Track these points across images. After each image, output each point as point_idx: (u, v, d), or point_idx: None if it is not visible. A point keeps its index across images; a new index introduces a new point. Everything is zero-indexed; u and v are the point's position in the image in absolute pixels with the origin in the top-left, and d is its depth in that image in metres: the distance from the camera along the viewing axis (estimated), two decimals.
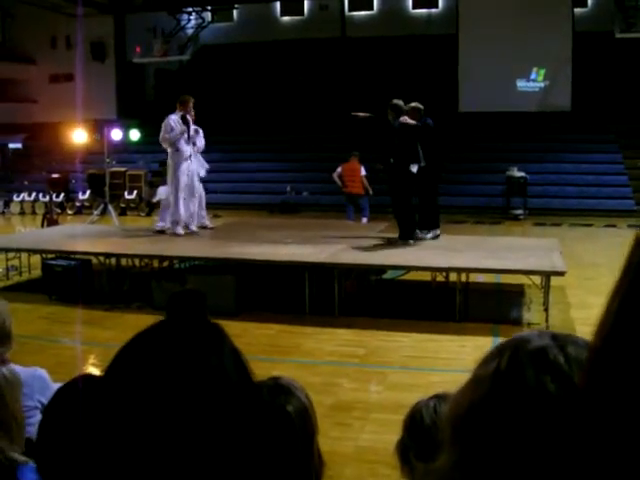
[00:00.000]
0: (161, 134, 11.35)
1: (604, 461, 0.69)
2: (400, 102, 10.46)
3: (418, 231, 10.67)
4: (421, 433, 1.85)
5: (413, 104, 10.67)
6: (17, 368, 2.60)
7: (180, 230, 11.28)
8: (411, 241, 10.40)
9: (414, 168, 10.14)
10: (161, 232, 11.61)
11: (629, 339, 0.57)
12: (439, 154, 10.90)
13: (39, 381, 3.17)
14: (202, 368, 1.10)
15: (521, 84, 25.03)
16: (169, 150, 11.42)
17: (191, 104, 11.57)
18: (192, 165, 11.50)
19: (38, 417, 2.64)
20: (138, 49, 27.88)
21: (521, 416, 0.79)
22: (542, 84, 24.93)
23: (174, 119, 11.34)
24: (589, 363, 0.68)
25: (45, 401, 2.70)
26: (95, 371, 7.14)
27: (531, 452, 0.78)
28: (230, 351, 1.17)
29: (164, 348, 1.13)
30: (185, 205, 11.40)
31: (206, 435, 1.06)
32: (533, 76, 24.99)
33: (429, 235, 10.77)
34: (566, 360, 0.81)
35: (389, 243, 10.58)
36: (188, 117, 11.43)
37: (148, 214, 21.63)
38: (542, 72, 24.85)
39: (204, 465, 1.06)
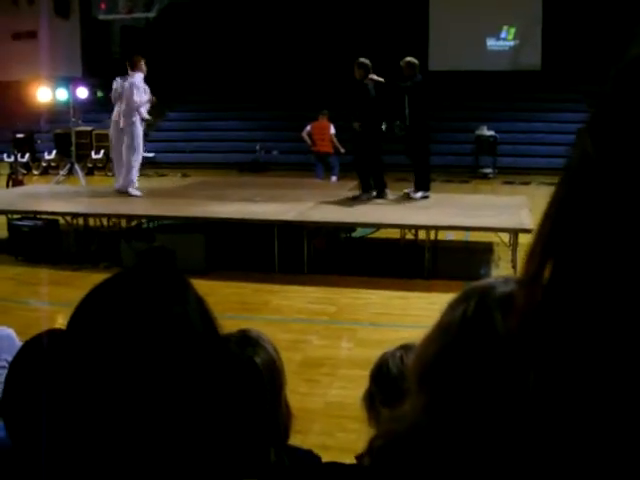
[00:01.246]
0: (134, 96, 11.14)
1: (562, 395, 0.69)
2: (367, 61, 10.51)
3: (406, 191, 10.89)
4: (388, 382, 1.87)
5: (408, 59, 10.62)
6: None
7: (137, 192, 11.29)
8: (376, 195, 10.65)
9: (382, 126, 10.55)
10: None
11: (567, 258, 0.55)
12: (428, 113, 10.86)
13: (6, 340, 3.13)
14: (165, 316, 1.08)
15: (491, 43, 25.00)
16: (128, 112, 11.27)
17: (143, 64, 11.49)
18: None
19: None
20: (103, 5, 27.31)
21: (490, 360, 0.79)
22: (512, 43, 24.92)
23: (141, 81, 11.26)
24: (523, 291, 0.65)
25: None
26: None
27: (499, 396, 0.78)
28: (195, 301, 1.15)
29: (125, 296, 1.12)
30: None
31: (171, 385, 1.04)
32: (503, 35, 24.96)
33: (418, 195, 10.81)
34: None
35: (355, 200, 10.64)
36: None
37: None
38: (512, 31, 24.82)
39: (169, 417, 1.05)
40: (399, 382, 1.81)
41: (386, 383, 1.88)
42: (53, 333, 1.94)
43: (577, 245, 0.51)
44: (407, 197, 10.83)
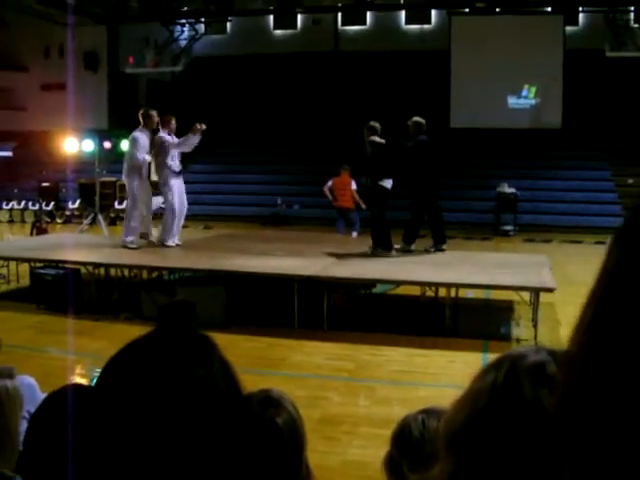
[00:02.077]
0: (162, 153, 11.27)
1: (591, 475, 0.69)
2: (376, 124, 10.92)
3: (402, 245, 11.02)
4: (410, 447, 1.85)
5: (415, 119, 10.90)
6: None
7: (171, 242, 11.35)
8: (391, 251, 10.75)
9: (387, 184, 10.68)
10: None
11: (603, 348, 0.57)
12: (435, 171, 11.03)
13: (28, 389, 3.13)
14: (190, 379, 1.10)
15: (512, 101, 25.17)
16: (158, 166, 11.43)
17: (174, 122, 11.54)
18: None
19: (25, 427, 2.61)
20: (131, 59, 27.89)
21: (518, 429, 0.79)
22: (533, 101, 25.08)
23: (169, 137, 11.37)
24: (562, 373, 0.68)
25: (33, 410, 2.67)
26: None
27: (527, 465, 0.78)
28: (219, 362, 1.17)
29: (153, 358, 1.13)
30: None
31: (195, 446, 1.05)
32: (524, 93, 25.14)
33: (397, 246, 10.95)
34: None
35: (369, 255, 10.78)
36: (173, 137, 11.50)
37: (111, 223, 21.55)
38: (533, 89, 25.00)
39: (193, 477, 1.05)
40: (422, 447, 1.80)
41: (408, 447, 1.86)
42: (77, 388, 1.94)
43: (613, 335, 0.54)
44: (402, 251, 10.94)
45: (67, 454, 1.81)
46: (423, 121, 10.79)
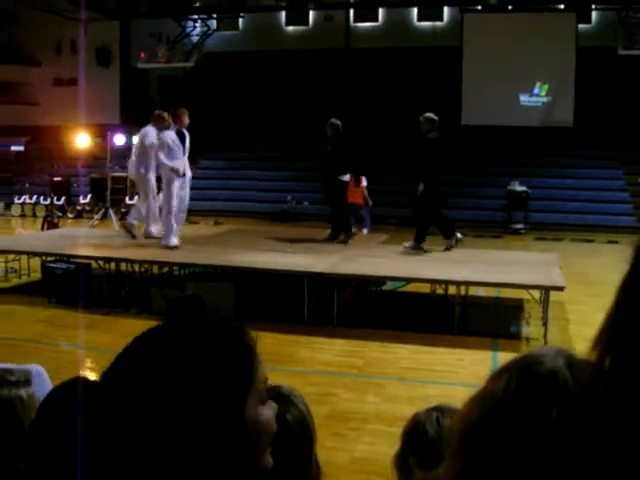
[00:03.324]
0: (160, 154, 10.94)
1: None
2: (338, 121, 11.82)
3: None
4: (424, 445, 1.84)
5: (427, 115, 10.85)
6: (13, 366, 2.56)
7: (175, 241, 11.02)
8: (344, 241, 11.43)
9: (346, 178, 11.74)
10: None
11: (629, 347, 0.58)
12: (439, 169, 11.02)
13: (37, 378, 3.14)
14: (203, 371, 1.10)
15: (524, 99, 25.08)
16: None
17: (186, 117, 11.18)
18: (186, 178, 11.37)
19: None
20: (142, 55, 27.93)
21: (523, 438, 0.80)
22: (545, 99, 24.99)
23: (172, 137, 10.99)
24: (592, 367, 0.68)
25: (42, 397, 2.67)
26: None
27: (530, 472, 0.79)
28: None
29: (166, 351, 1.13)
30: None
31: (204, 441, 1.05)
32: (536, 91, 25.04)
33: (408, 244, 11.03)
34: (575, 385, 0.81)
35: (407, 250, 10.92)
36: (184, 131, 11.15)
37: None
38: (545, 87, 24.90)
39: (202, 472, 1.06)
40: (437, 445, 1.79)
41: (422, 445, 1.85)
42: (86, 381, 1.96)
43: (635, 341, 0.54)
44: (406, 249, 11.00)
45: (73, 445, 1.83)
46: (435, 117, 10.76)
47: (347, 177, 11.83)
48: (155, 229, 11.85)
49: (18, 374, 2.27)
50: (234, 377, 1.11)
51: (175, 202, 10.98)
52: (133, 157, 11.81)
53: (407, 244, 11.04)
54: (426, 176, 10.73)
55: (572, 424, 0.77)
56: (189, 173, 11.45)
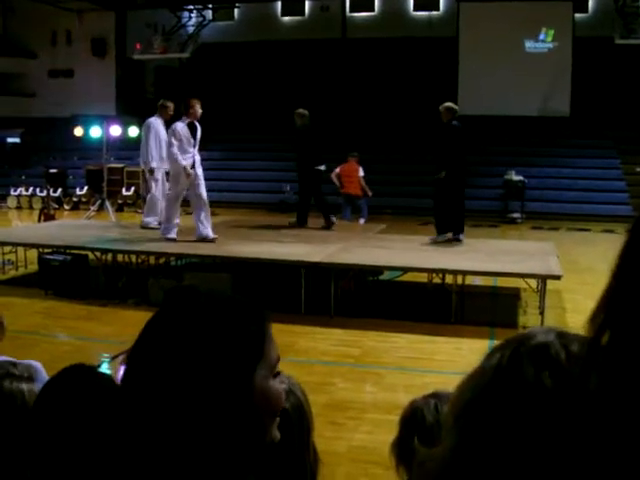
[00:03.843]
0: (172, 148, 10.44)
1: (603, 456, 0.70)
2: (305, 111, 12.47)
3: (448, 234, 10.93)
4: (423, 431, 1.84)
5: (447, 104, 10.80)
6: (17, 361, 2.56)
7: (173, 234, 10.76)
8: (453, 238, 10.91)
9: (322, 167, 12.23)
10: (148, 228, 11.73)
11: (628, 322, 0.57)
12: (464, 157, 10.93)
13: (37, 373, 3.14)
14: (217, 338, 1.11)
15: (529, 45, 24.92)
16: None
17: (198, 107, 10.54)
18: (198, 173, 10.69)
19: None
20: (138, 46, 27.85)
21: (518, 409, 0.80)
22: (551, 45, 24.85)
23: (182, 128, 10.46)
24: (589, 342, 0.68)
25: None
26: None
27: (525, 445, 0.79)
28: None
29: (187, 321, 1.15)
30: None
31: (215, 406, 1.06)
32: (542, 37, 24.90)
33: (447, 236, 10.87)
34: (567, 357, 0.82)
35: (432, 242, 10.84)
36: (196, 123, 10.57)
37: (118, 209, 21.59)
38: (551, 32, 24.75)
39: (200, 458, 1.06)
40: (435, 431, 1.80)
41: (421, 431, 1.85)
42: (81, 370, 1.96)
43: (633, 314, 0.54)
44: (437, 242, 10.82)
45: (68, 440, 1.83)
46: (455, 106, 10.78)
47: (323, 167, 12.27)
48: (153, 219, 11.86)
49: (21, 368, 2.27)
50: (245, 346, 1.13)
51: (175, 195, 10.79)
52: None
53: (440, 237, 10.83)
54: (451, 165, 10.59)
55: (565, 392, 0.78)
56: (200, 171, 10.64)
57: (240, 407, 1.08)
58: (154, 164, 11.80)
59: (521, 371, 0.82)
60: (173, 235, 10.70)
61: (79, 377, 1.93)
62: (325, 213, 12.31)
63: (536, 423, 0.78)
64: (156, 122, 11.83)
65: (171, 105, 11.92)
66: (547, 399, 0.79)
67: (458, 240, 10.83)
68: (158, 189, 11.93)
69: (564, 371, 0.80)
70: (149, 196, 12.18)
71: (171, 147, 10.45)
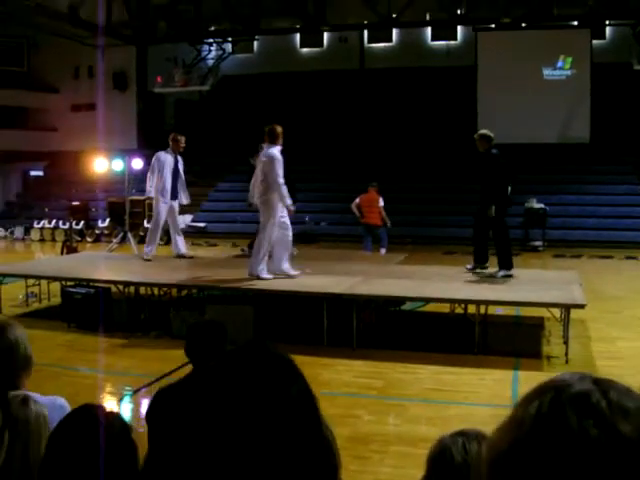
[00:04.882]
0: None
1: None
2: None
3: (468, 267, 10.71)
4: (451, 471, 1.82)
5: (482, 131, 10.47)
6: (37, 397, 2.57)
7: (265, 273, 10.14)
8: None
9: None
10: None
11: None
12: (507, 186, 10.32)
13: (59, 411, 3.14)
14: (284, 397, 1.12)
15: (547, 72, 24.88)
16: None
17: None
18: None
19: None
20: (159, 79, 28.20)
21: (562, 459, 0.79)
22: (569, 72, 24.82)
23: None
24: None
25: None
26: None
27: None
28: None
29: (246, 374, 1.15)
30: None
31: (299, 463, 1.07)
32: (560, 64, 24.87)
33: (501, 273, 10.34)
34: (608, 405, 0.81)
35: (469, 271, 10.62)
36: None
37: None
38: (569, 60, 24.72)
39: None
40: (463, 471, 1.77)
41: (449, 471, 1.83)
42: (88, 413, 1.97)
43: None
44: (476, 273, 10.51)
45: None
46: (490, 133, 10.29)
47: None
48: (183, 247, 12.09)
49: (12, 395, 2.33)
50: (310, 398, 1.15)
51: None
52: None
53: (499, 272, 10.31)
54: (497, 197, 10.06)
55: (610, 442, 0.77)
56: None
57: (323, 457, 1.09)
58: (151, 194, 12.44)
59: (565, 420, 0.81)
60: (266, 275, 10.05)
61: (85, 421, 1.95)
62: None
63: (581, 473, 0.77)
64: (164, 156, 12.12)
65: (182, 138, 12.27)
66: (592, 448, 0.78)
67: (509, 276, 10.26)
68: (156, 220, 12.51)
69: (606, 420, 0.79)
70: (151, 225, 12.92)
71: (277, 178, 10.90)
